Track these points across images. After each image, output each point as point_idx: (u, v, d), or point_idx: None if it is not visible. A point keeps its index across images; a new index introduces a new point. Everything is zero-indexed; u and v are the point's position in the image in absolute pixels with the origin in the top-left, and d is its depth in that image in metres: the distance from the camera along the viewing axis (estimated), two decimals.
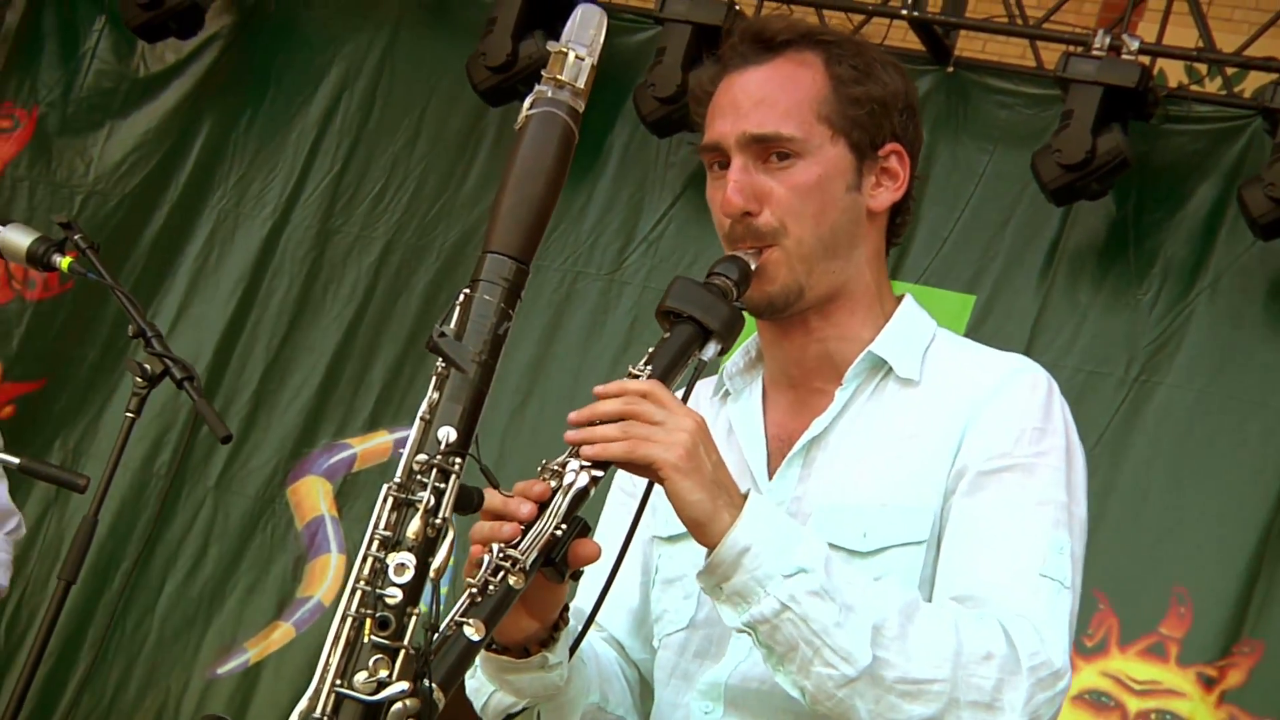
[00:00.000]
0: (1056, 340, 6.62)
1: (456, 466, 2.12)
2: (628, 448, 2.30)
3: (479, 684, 2.56)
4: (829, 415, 2.59)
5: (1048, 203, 6.63)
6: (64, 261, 4.14)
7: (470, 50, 7.24)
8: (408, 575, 2.09)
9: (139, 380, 3.96)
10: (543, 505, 2.29)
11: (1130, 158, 6.53)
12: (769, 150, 2.55)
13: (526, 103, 2.25)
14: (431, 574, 2.09)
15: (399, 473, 2.11)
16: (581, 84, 2.25)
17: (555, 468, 2.31)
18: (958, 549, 2.48)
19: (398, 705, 2.05)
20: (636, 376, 2.37)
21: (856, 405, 2.61)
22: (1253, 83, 7.06)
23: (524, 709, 2.55)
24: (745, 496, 2.35)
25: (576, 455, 2.31)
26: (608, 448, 2.30)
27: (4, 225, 4.23)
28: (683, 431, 2.31)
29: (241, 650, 7.08)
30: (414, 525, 2.11)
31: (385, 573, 2.09)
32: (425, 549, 2.10)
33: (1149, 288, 6.65)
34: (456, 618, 2.17)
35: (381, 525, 2.11)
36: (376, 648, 2.07)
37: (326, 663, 2.09)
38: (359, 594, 2.10)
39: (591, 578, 2.47)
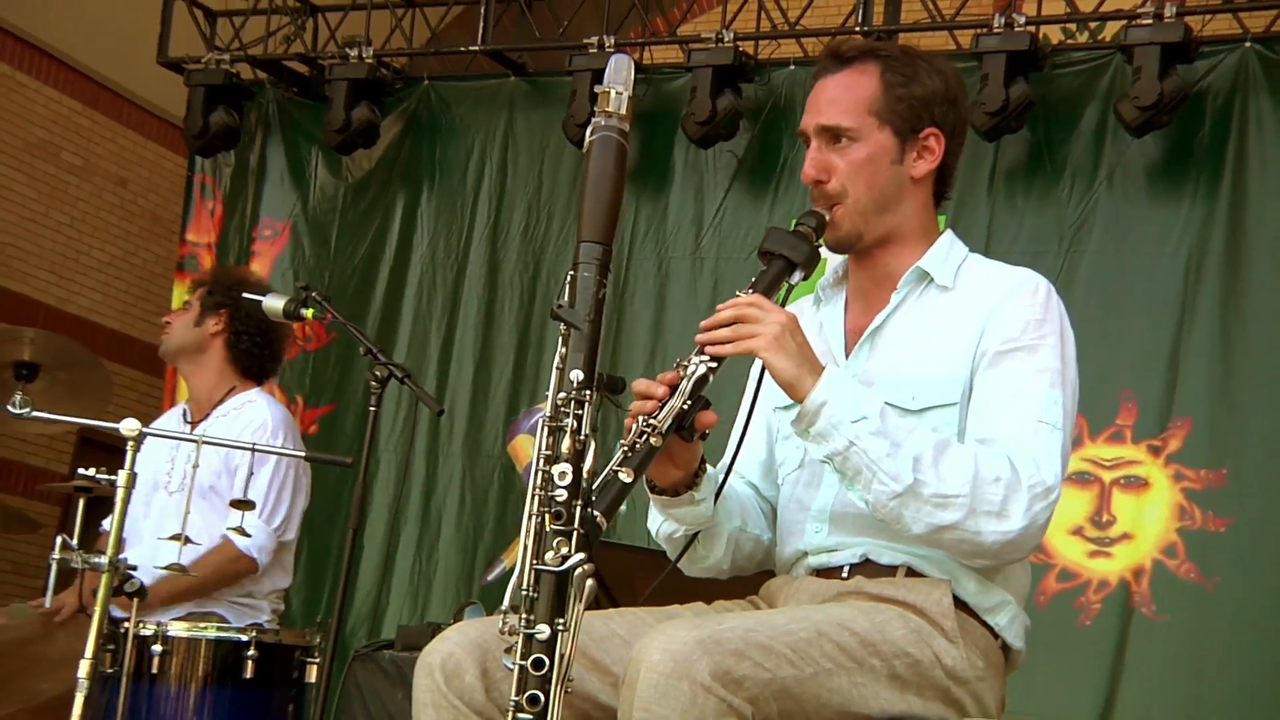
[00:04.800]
0: (1005, 235, 6.55)
1: (587, 397, 2.13)
2: (734, 344, 2.36)
3: (652, 516, 2.63)
4: (885, 312, 2.60)
5: (983, 140, 6.52)
6: (309, 311, 4.16)
7: (562, 115, 7.22)
8: (568, 479, 2.11)
9: (373, 384, 3.97)
10: (675, 388, 2.33)
11: (1034, 99, 6.46)
12: (834, 136, 2.57)
13: (589, 131, 2.26)
14: (585, 475, 2.11)
15: (548, 408, 2.14)
16: (624, 111, 2.25)
17: (684, 362, 2.37)
18: (980, 405, 2.48)
19: (578, 570, 2.08)
20: (742, 295, 2.44)
21: (906, 305, 2.61)
22: (1110, 30, 6.95)
23: (685, 533, 2.60)
24: (824, 368, 2.39)
25: (703, 352, 2.38)
26: (721, 346, 2.37)
27: (266, 295, 4.28)
28: (775, 324, 2.37)
29: (499, 561, 7.15)
30: (566, 443, 2.12)
31: (553, 480, 2.11)
32: (576, 458, 2.12)
33: (1064, 187, 6.55)
34: (613, 468, 2.21)
35: (544, 448, 2.14)
36: (556, 534, 2.09)
37: (525, 550, 2.11)
38: (538, 499, 2.12)
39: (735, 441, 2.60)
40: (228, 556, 4.47)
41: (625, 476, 2.20)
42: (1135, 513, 6.18)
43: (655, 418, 2.30)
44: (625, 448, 2.26)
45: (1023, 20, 6.46)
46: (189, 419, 4.76)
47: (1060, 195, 6.54)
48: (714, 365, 2.36)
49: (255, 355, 4.79)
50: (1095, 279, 6.40)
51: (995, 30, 6.46)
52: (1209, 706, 5.85)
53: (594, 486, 2.15)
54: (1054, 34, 7.03)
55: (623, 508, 2.24)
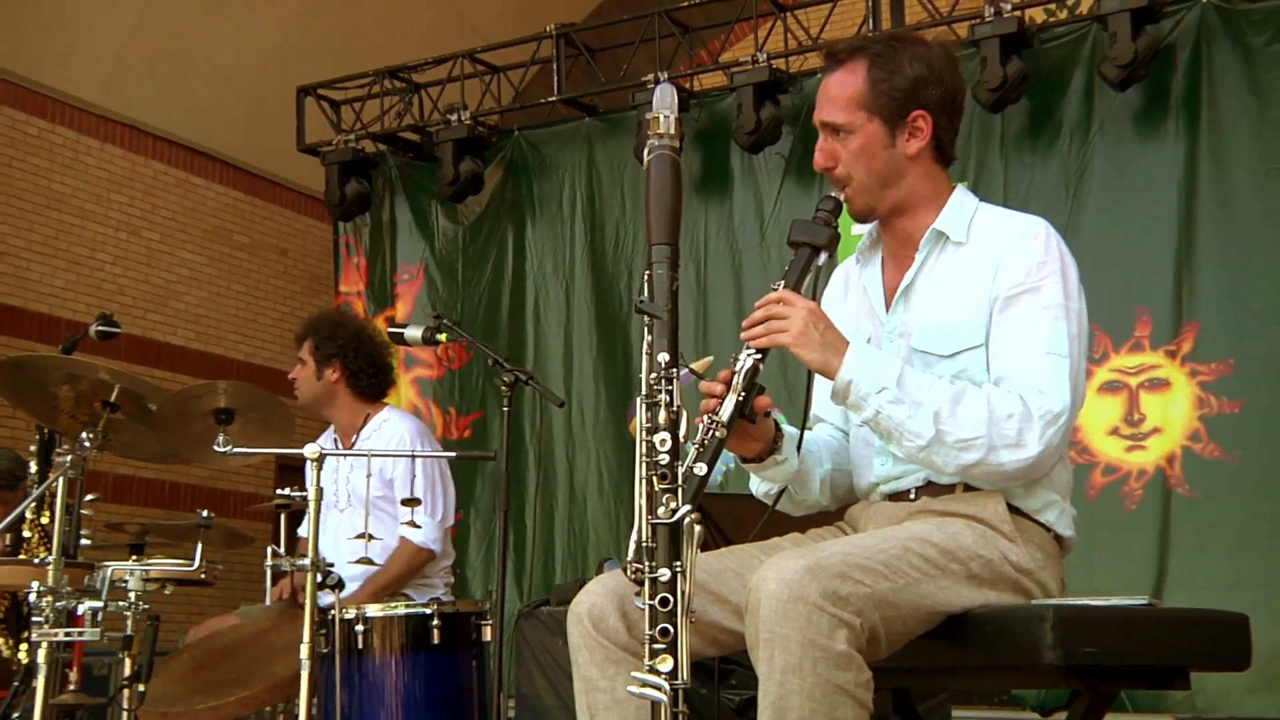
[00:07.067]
0: (1020, 190, 6.42)
1: (674, 374, 2.11)
2: (767, 338, 2.32)
3: (752, 481, 2.60)
4: (912, 271, 2.52)
5: (989, 113, 6.43)
6: (443, 335, 4.14)
7: (633, 144, 7.21)
8: (668, 444, 2.09)
9: (503, 388, 3.94)
10: (731, 383, 2.29)
11: (1029, 72, 6.35)
12: (834, 129, 2.50)
13: (645, 152, 2.24)
14: (682, 439, 2.08)
15: (643, 386, 2.12)
16: (673, 131, 2.22)
17: (736, 357, 2.32)
18: (995, 347, 2.40)
19: (686, 520, 2.06)
20: (775, 288, 2.36)
21: (930, 262, 2.51)
22: (1086, 4, 6.82)
23: (780, 490, 2.57)
24: (848, 345, 2.34)
25: (749, 346, 2.33)
26: (757, 340, 2.32)
27: (405, 328, 4.25)
28: (799, 319, 2.32)
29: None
30: (662, 415, 2.10)
31: (655, 447, 2.09)
32: (673, 426, 2.10)
33: (1064, 141, 6.42)
34: (689, 463, 2.15)
35: (645, 421, 2.10)
36: (664, 491, 2.07)
37: (640, 508, 2.09)
38: (645, 464, 2.10)
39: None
40: (408, 552, 4.49)
41: (699, 470, 2.16)
42: (1161, 409, 6.07)
43: (718, 414, 2.27)
44: (697, 446, 2.22)
45: (1009, 7, 6.35)
46: (339, 446, 4.74)
47: (1062, 149, 6.41)
48: (759, 357, 2.32)
49: (375, 382, 4.75)
50: (1102, 216, 6.27)
51: (987, 20, 6.37)
52: (1247, 565, 5.73)
53: (679, 482, 2.11)
54: (1038, 15, 6.87)
55: (731, 465, 2.23)
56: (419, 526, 4.24)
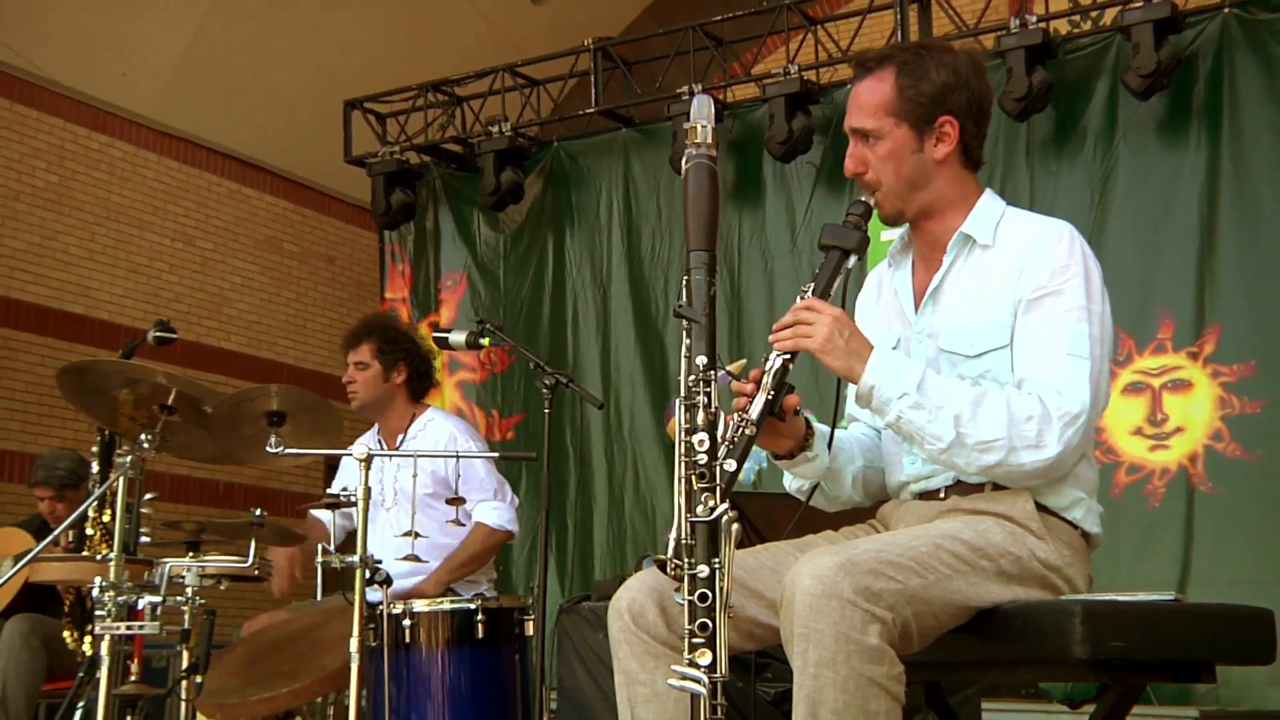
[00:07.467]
0: (1046, 197, 6.39)
1: (712, 376, 2.09)
2: (793, 342, 2.31)
3: (785, 477, 2.58)
4: (940, 273, 2.50)
5: (1015, 122, 6.40)
6: (486, 340, 4.14)
7: (668, 153, 7.24)
8: (706, 444, 2.08)
9: (545, 390, 3.95)
10: (761, 382, 2.29)
11: (1053, 82, 6.32)
12: (863, 135, 2.48)
13: (684, 161, 2.23)
14: (719, 440, 2.07)
15: (682, 388, 2.11)
16: (711, 140, 2.20)
17: (767, 356, 2.31)
18: (1018, 349, 2.38)
19: (724, 518, 2.05)
20: (805, 290, 2.35)
21: (957, 265, 2.50)
22: (1109, 15, 6.77)
23: (811, 484, 2.56)
24: (871, 350, 2.33)
25: None
26: (784, 343, 2.31)
27: (449, 333, 4.25)
28: (824, 326, 2.30)
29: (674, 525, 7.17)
30: (700, 416, 2.08)
31: (694, 447, 2.08)
32: (710, 427, 2.08)
33: (1089, 149, 6.39)
34: (719, 459, 2.13)
35: (684, 421, 2.09)
36: (702, 490, 2.06)
37: (679, 506, 2.08)
38: (684, 464, 2.09)
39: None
40: (483, 533, 4.47)
41: (729, 466, 2.14)
42: (1184, 409, 6.04)
43: (748, 412, 2.26)
44: (728, 441, 2.21)
45: (1034, 19, 6.34)
46: (383, 446, 4.71)
47: (1086, 157, 6.39)
48: (788, 357, 2.31)
49: (426, 383, 4.75)
50: (1126, 222, 6.24)
51: (1013, 31, 6.35)
52: (1269, 560, 5.69)
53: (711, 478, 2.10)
54: (1062, 26, 6.84)
55: (764, 464, 2.21)
56: (463, 525, 4.25)
